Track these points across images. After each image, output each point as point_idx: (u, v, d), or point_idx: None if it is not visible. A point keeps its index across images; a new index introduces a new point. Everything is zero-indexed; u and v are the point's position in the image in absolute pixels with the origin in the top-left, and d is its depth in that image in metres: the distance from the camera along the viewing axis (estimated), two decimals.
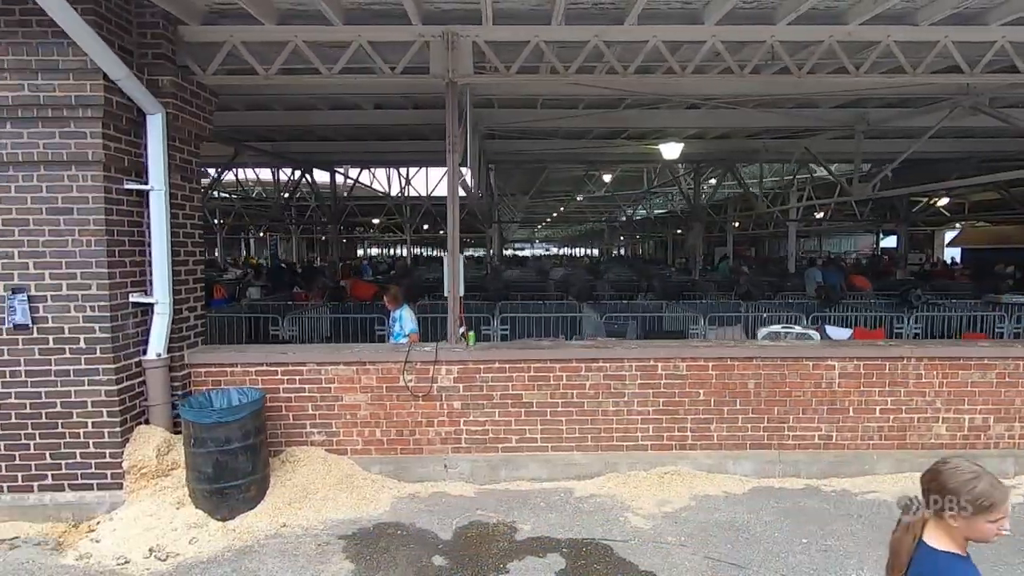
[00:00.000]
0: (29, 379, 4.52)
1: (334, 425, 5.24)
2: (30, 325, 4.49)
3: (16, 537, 4.36)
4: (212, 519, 4.46)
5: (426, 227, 30.09)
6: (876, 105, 8.77)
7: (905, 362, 5.28)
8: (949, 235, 28.93)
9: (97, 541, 4.22)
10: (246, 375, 5.19)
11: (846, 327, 8.27)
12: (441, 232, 31.34)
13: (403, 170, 25.38)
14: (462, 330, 5.51)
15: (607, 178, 26.24)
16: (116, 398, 4.55)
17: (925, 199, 19.54)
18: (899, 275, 16.70)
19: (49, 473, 4.57)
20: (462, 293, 5.44)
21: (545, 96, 8.16)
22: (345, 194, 16.32)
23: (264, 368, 5.19)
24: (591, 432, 5.29)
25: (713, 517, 4.62)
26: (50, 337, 4.52)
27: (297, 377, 5.21)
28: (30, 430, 4.53)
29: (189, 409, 4.55)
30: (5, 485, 4.56)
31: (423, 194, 20.31)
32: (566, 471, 5.24)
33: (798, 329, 5.83)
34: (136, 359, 4.80)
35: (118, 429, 4.57)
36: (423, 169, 29.57)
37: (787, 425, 5.32)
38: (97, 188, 4.46)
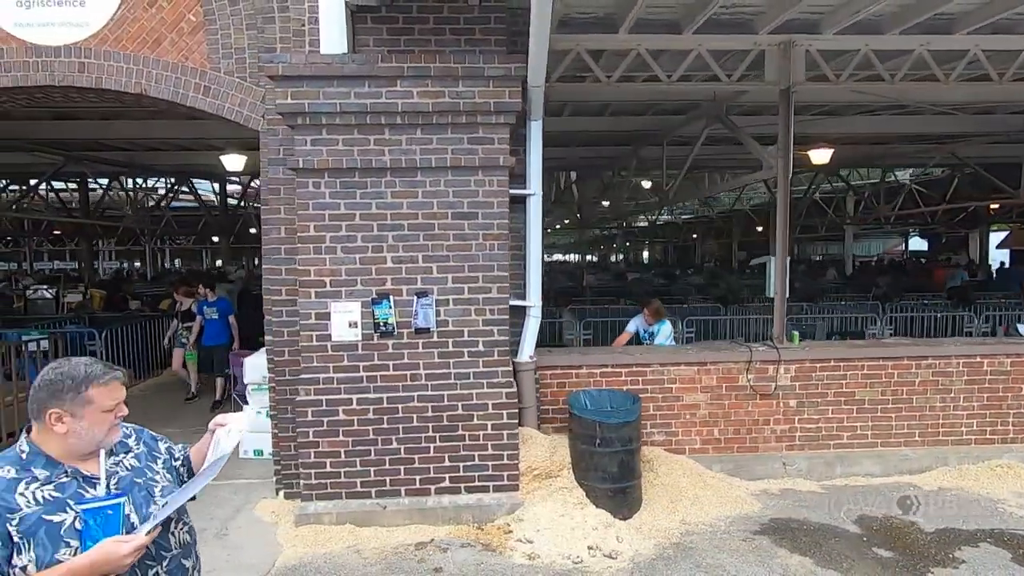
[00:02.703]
0: (429, 383, 4.56)
1: (673, 425, 5.33)
2: (432, 329, 4.55)
3: (431, 540, 4.38)
4: (615, 518, 4.51)
5: None
6: None
7: None
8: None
9: (529, 541, 4.25)
10: (590, 376, 5.27)
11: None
12: None
13: None
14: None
15: (646, 184, 26.47)
16: (514, 400, 4.61)
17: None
18: (979, 276, 17.13)
19: (447, 476, 4.60)
20: (787, 295, 5.58)
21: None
22: None
23: (608, 370, 5.27)
24: (918, 428, 5.45)
25: None
26: (450, 340, 4.57)
27: (640, 378, 5.29)
28: (430, 433, 4.56)
29: (590, 410, 4.62)
30: (403, 488, 4.58)
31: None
32: (898, 466, 5.39)
33: None
34: (512, 361, 4.86)
35: (516, 431, 4.63)
36: None
37: None
38: (502, 192, 4.53)
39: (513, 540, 4.31)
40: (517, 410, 4.63)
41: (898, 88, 5.53)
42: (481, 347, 4.58)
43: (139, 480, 1.80)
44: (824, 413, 5.40)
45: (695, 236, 38.13)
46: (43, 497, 1.60)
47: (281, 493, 5.01)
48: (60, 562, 1.56)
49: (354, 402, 4.52)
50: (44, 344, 7.95)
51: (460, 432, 4.58)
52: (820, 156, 10.95)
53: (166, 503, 1.68)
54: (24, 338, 8.19)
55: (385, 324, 4.51)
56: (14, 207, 11.82)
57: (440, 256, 4.52)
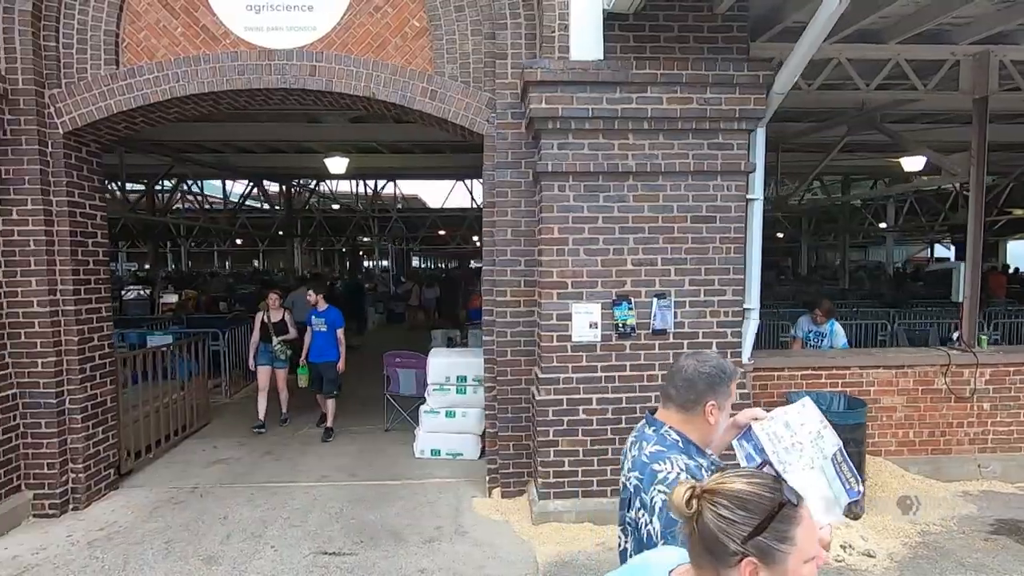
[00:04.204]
0: None
1: (871, 427, 5.40)
2: (669, 330, 4.62)
3: None
4: (847, 519, 4.59)
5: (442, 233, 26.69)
6: None
7: None
8: (1011, 244, 30.00)
9: None
10: (791, 379, 5.34)
11: None
12: None
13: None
14: (956, 334, 5.75)
15: None
16: (748, 402, 4.68)
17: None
18: None
19: None
20: (978, 299, 5.68)
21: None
22: None
23: (809, 372, 5.36)
24: None
25: None
26: (685, 342, 4.64)
27: (840, 380, 5.37)
28: None
29: (828, 411, 4.70)
30: (608, 489, 4.60)
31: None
32: None
33: None
34: None
35: None
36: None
37: None
38: (739, 198, 4.62)
39: None
40: None
41: None
42: (715, 349, 4.64)
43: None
44: (1016, 416, 5.50)
45: None
46: None
47: (496, 492, 5.06)
48: None
49: (593, 402, 4.58)
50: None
51: None
52: (913, 164, 11.09)
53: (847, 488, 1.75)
54: (150, 339, 8.26)
55: (624, 325, 4.58)
56: (132, 210, 11.86)
57: (678, 259, 4.60)
